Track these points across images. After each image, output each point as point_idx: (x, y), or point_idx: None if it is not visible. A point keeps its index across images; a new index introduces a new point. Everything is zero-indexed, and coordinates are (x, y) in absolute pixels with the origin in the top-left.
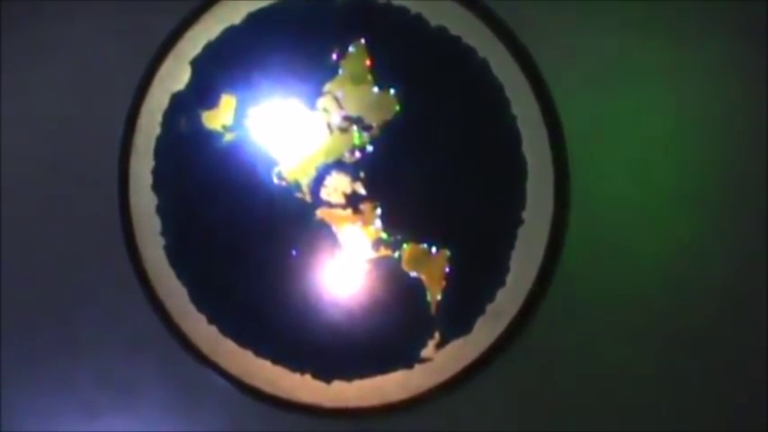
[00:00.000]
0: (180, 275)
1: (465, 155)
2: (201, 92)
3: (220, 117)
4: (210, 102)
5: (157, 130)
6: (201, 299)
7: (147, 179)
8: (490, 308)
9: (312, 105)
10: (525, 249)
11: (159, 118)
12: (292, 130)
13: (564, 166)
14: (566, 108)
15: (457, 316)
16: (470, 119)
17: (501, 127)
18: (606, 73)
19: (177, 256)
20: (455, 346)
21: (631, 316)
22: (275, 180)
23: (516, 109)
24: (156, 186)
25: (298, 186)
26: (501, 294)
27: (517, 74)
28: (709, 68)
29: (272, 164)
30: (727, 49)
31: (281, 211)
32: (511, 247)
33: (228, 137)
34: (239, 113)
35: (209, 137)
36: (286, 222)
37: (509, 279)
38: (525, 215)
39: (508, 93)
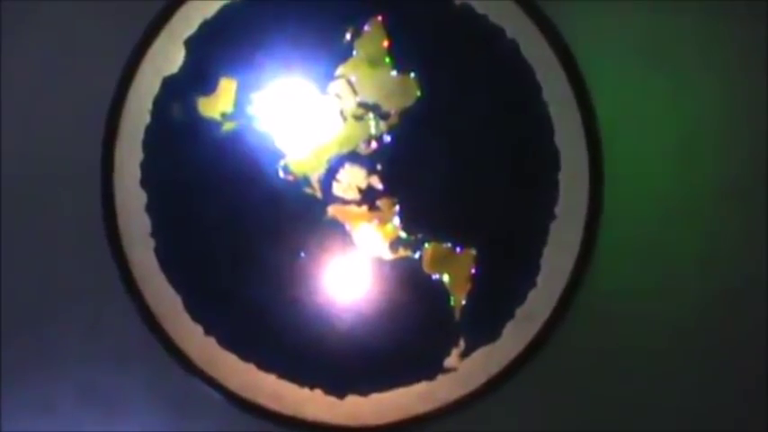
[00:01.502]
0: (172, 281)
1: (492, 145)
2: (197, 75)
3: (219, 103)
4: (208, 86)
5: (147, 119)
6: (197, 307)
7: (135, 174)
8: (520, 311)
9: (323, 90)
10: (558, 247)
11: (149, 105)
12: (300, 118)
13: (599, 158)
14: (599, 94)
15: (484, 321)
16: (498, 106)
17: (531, 115)
18: (643, 54)
19: (169, 259)
20: (482, 354)
21: (672, 316)
22: (281, 174)
23: (548, 95)
24: (146, 182)
25: (307, 181)
26: (532, 296)
27: (549, 56)
28: (758, 46)
29: (277, 156)
30: None
31: (287, 208)
32: (542, 244)
33: (228, 126)
34: (240, 99)
35: (206, 126)
36: (293, 221)
37: (540, 280)
38: (558, 210)
39: (539, 77)
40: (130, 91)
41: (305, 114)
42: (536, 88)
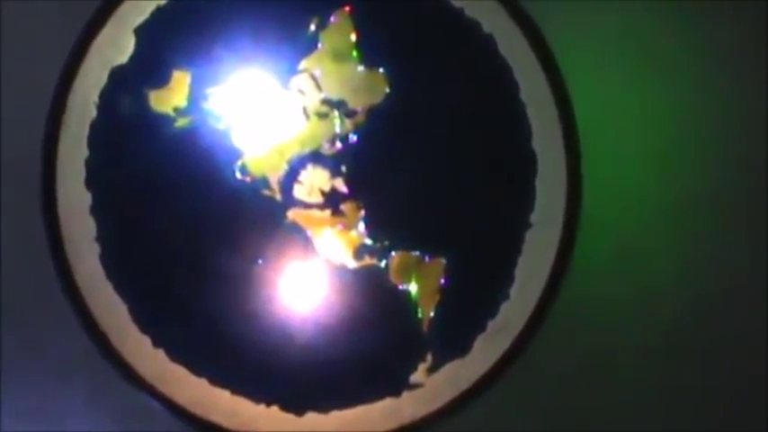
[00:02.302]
0: (119, 289)
1: (465, 147)
2: (148, 66)
3: (172, 98)
4: (160, 79)
5: (93, 113)
6: (145, 317)
7: (80, 173)
8: (492, 324)
9: (285, 85)
10: (533, 257)
11: (95, 98)
12: (260, 114)
13: (577, 163)
14: (577, 95)
15: (453, 334)
16: (473, 105)
17: (508, 115)
18: (622, 54)
19: (116, 266)
20: (450, 369)
21: (651, 328)
22: (238, 175)
23: (526, 95)
24: (91, 181)
25: (265, 182)
26: (505, 308)
27: (528, 54)
28: (740, 47)
29: (234, 155)
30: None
31: (244, 211)
32: (517, 254)
33: (181, 122)
34: (195, 94)
35: (158, 122)
36: (250, 226)
37: (514, 291)
38: (534, 218)
39: (517, 76)
40: (75, 83)
41: (265, 111)
42: (514, 87)
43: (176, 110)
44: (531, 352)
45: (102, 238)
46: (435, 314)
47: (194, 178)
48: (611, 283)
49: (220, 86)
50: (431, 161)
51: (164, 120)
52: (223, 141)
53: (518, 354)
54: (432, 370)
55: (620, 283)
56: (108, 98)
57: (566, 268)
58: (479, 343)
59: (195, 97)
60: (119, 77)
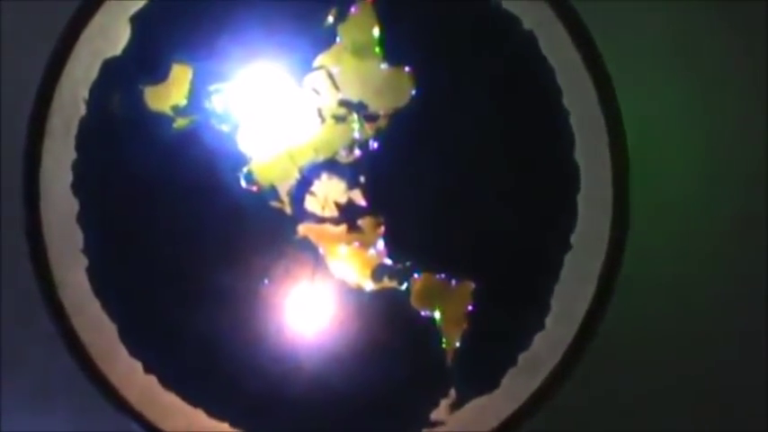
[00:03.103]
0: (108, 307)
1: (500, 158)
2: (145, 59)
3: (170, 95)
4: (157, 73)
5: (81, 111)
6: (137, 339)
7: (66, 177)
8: (524, 358)
9: (298, 84)
10: (572, 283)
11: (84, 93)
12: (269, 116)
13: (624, 177)
14: (624, 103)
15: (480, 368)
16: (509, 111)
17: (548, 123)
18: (672, 56)
19: (105, 281)
20: (476, 406)
21: (701, 367)
22: (243, 183)
23: (570, 101)
24: (79, 187)
25: (274, 193)
26: (539, 340)
27: (573, 55)
28: None
29: (239, 161)
30: None
31: (249, 225)
32: (554, 280)
33: (181, 122)
34: (196, 91)
35: (155, 122)
36: (256, 241)
37: (550, 321)
38: (574, 239)
39: (560, 79)
40: (62, 77)
41: (275, 112)
42: (556, 92)
43: (175, 109)
44: (566, 391)
45: (89, 250)
46: (461, 344)
47: (194, 186)
48: (658, 316)
49: (225, 83)
50: (459, 173)
51: (161, 120)
52: (227, 145)
53: (551, 392)
54: (455, 407)
55: (668, 317)
56: (99, 95)
57: (608, 297)
58: (509, 378)
59: (197, 95)
60: (111, 71)
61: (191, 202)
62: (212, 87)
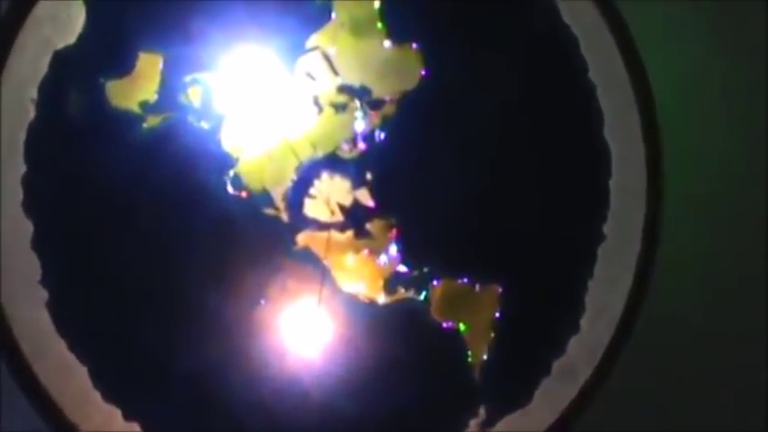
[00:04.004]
0: (75, 347)
1: (521, 143)
2: (104, 48)
3: (138, 90)
4: (121, 64)
5: (29, 114)
6: (112, 382)
7: (15, 194)
8: (558, 365)
9: (289, 69)
10: (607, 278)
11: (32, 92)
12: (257, 109)
13: (658, 157)
14: (654, 74)
15: (511, 381)
16: (529, 88)
17: (574, 100)
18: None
19: (70, 316)
20: (509, 423)
21: (749, 369)
22: (230, 189)
23: (596, 74)
24: (31, 206)
25: (267, 198)
26: (574, 345)
27: (598, 23)
28: None
29: (224, 163)
30: None
31: (240, 237)
32: (587, 275)
33: (152, 122)
34: (169, 83)
35: (121, 122)
36: (249, 255)
37: (585, 322)
38: (608, 228)
39: (584, 49)
40: (3, 74)
41: (263, 103)
42: (580, 65)
43: (145, 106)
44: (605, 398)
45: (49, 280)
46: (488, 357)
47: (172, 196)
48: (700, 311)
49: (203, 72)
50: (479, 162)
51: (128, 120)
52: (209, 145)
53: (591, 400)
54: (486, 426)
55: (710, 312)
56: (50, 93)
57: (646, 291)
58: (543, 389)
59: (169, 88)
60: (64, 64)
61: (169, 214)
62: (188, 78)
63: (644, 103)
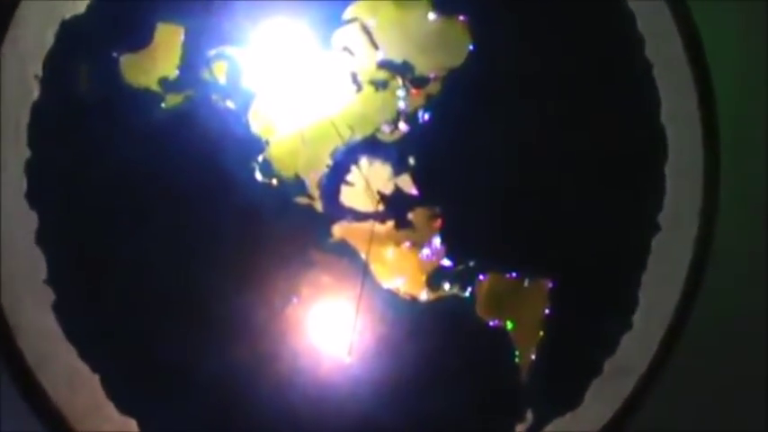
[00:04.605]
0: (85, 354)
1: (574, 125)
2: (119, 17)
3: (156, 65)
4: (136, 37)
5: (34, 93)
6: (127, 391)
7: (18, 183)
8: (610, 364)
9: (325, 43)
10: (661, 272)
11: (37, 68)
12: (289, 87)
13: (716, 143)
14: (713, 55)
15: (560, 382)
16: (583, 68)
17: (629, 80)
18: None
19: (80, 320)
20: (557, 426)
21: None
22: (259, 176)
23: (653, 52)
24: (36, 197)
25: (300, 186)
26: (626, 342)
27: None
28: None
29: (252, 148)
30: None
31: (269, 229)
32: (641, 268)
33: (172, 101)
34: (191, 58)
35: (137, 102)
36: (279, 249)
37: (638, 318)
38: (663, 218)
39: (641, 26)
40: (4, 46)
41: (296, 81)
42: (637, 42)
43: (163, 83)
44: (659, 398)
45: (55, 279)
46: (537, 357)
47: (195, 184)
48: (758, 305)
49: (229, 46)
50: (529, 147)
51: (145, 99)
52: (235, 128)
53: (643, 401)
54: (533, 430)
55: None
56: (57, 69)
57: (702, 285)
58: (594, 390)
59: (191, 63)
60: (73, 36)
61: (190, 205)
62: (212, 52)
63: (702, 81)
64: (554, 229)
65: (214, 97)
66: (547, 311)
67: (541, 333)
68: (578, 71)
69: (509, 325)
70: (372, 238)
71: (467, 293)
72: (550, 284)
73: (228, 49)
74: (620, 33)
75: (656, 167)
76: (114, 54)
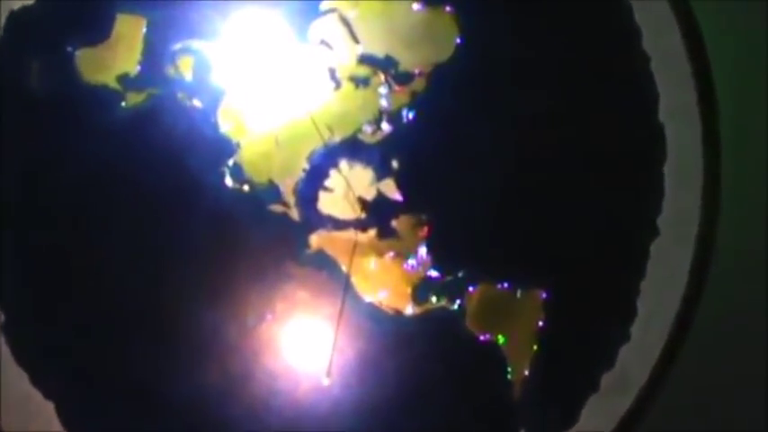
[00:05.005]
0: (39, 379)
1: (569, 124)
2: (74, 8)
3: (116, 60)
4: (94, 29)
5: None
6: (85, 419)
7: None
8: (607, 379)
9: (302, 36)
10: (660, 279)
11: None
12: (262, 84)
13: (716, 140)
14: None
15: (555, 399)
16: (578, 60)
17: (625, 75)
18: None
19: (31, 341)
20: None
21: None
22: (229, 181)
23: (651, 45)
24: None
25: (274, 192)
26: (624, 355)
27: None
28: None
29: (222, 151)
30: None
31: (241, 239)
32: (639, 276)
33: (133, 99)
34: (154, 53)
35: (94, 100)
36: (252, 261)
37: (636, 329)
38: (662, 222)
39: (639, 18)
40: None
41: (270, 77)
42: (634, 34)
43: (124, 80)
44: (659, 414)
45: (5, 296)
46: (531, 372)
47: (158, 191)
48: (761, 311)
49: (196, 39)
50: (521, 148)
51: (104, 97)
52: (203, 128)
53: (642, 417)
54: None
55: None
56: (5, 65)
57: (702, 292)
58: (590, 407)
59: (155, 59)
60: (22, 29)
61: (155, 213)
62: (177, 46)
63: (701, 74)
64: (549, 235)
65: (180, 95)
66: (540, 324)
67: (535, 347)
68: (573, 64)
69: (501, 339)
70: (355, 249)
71: (455, 306)
72: (544, 295)
73: (195, 43)
74: (617, 25)
75: (654, 167)
76: (69, 48)
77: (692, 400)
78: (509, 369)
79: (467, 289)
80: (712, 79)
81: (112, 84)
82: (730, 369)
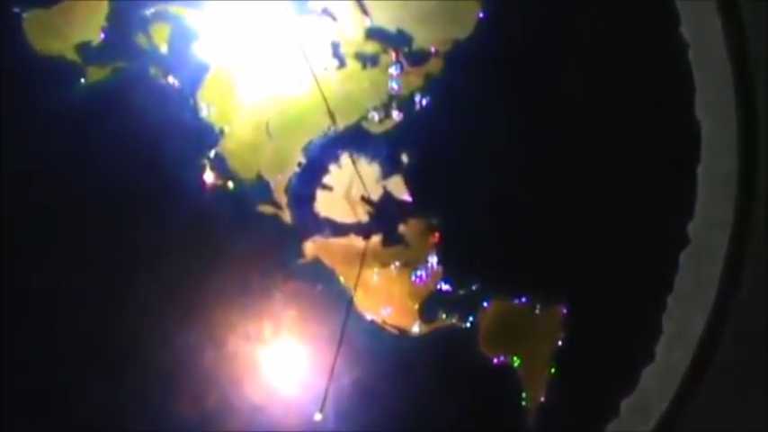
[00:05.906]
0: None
1: (599, 116)
2: None
3: (73, 26)
4: None
5: None
6: None
7: None
8: (627, 404)
9: (301, 5)
10: (690, 293)
11: None
12: (252, 60)
13: (755, 139)
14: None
15: (573, 426)
16: (608, 47)
17: (661, 66)
18: None
19: None
20: None
21: None
22: (211, 177)
23: (689, 34)
24: None
25: (263, 190)
26: (647, 377)
27: None
28: None
29: (202, 139)
30: None
31: (223, 247)
32: (667, 289)
33: (95, 74)
34: (121, 18)
35: (48, 74)
36: (236, 273)
37: (660, 349)
38: (693, 229)
39: (679, 3)
40: None
41: (262, 53)
42: (671, 22)
43: (84, 51)
44: None
45: None
46: (547, 398)
47: (125, 186)
48: None
49: (172, 3)
50: (545, 140)
51: (59, 70)
52: (180, 112)
53: None
54: None
55: None
56: None
57: (731, 307)
58: None
59: (122, 25)
60: None
61: (120, 215)
62: (149, 11)
63: (741, 66)
64: (573, 243)
65: (152, 70)
66: (560, 344)
67: (552, 369)
68: (604, 50)
69: (516, 361)
70: (363, 260)
71: (468, 324)
72: (564, 311)
73: (172, 7)
74: (652, 10)
75: (688, 168)
76: (16, 10)
77: (717, 425)
78: (524, 395)
79: (481, 304)
80: (753, 72)
81: (70, 54)
82: (761, 396)
